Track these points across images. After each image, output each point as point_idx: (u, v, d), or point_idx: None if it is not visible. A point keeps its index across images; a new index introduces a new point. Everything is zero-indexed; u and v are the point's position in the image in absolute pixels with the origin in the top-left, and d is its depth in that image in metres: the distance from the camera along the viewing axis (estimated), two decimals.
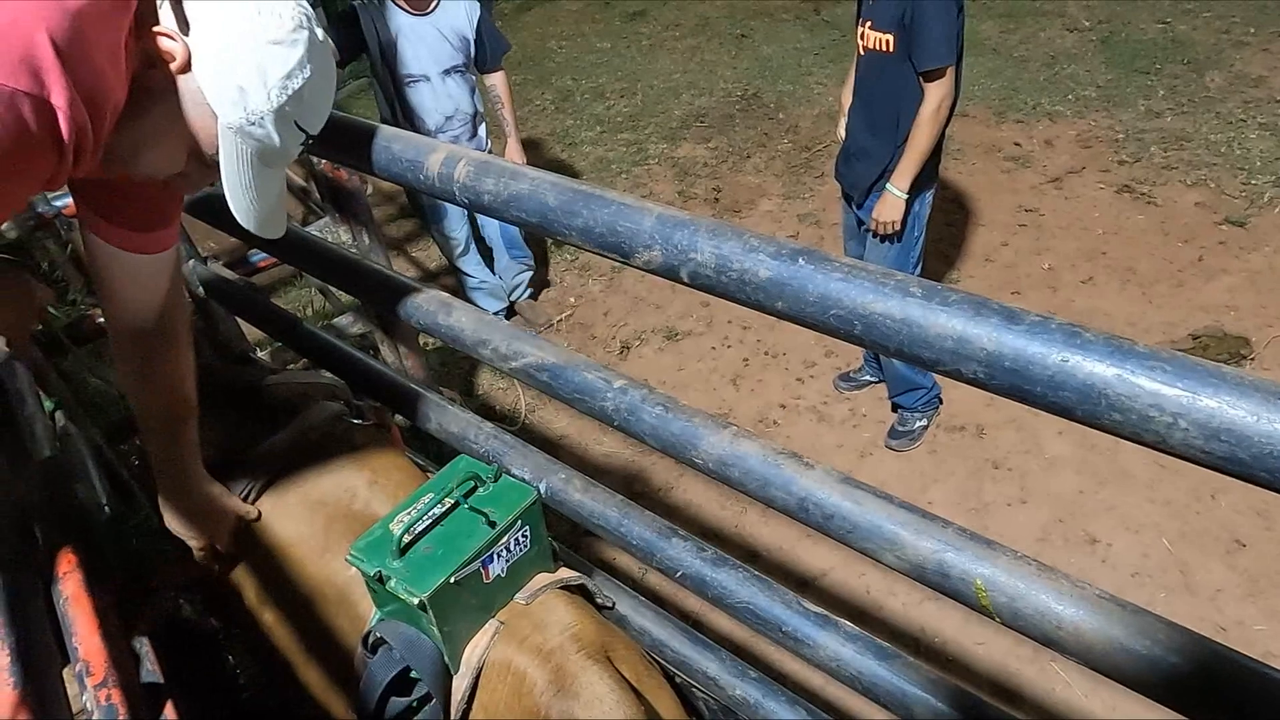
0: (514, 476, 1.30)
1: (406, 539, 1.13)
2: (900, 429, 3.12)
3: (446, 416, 1.52)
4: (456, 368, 3.80)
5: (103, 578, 1.08)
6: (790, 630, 1.17)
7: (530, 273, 3.98)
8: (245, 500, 1.40)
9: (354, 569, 1.16)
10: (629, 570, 2.65)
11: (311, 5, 0.91)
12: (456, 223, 3.60)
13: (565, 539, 2.10)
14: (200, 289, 2.07)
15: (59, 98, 0.70)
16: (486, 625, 1.16)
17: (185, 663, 1.52)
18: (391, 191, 5.24)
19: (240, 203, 0.93)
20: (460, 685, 1.13)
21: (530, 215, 0.96)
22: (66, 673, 0.92)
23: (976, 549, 0.86)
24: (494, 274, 3.91)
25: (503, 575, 1.17)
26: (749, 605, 1.20)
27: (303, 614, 1.32)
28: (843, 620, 1.17)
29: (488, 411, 3.51)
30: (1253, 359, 3.20)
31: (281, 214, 1.02)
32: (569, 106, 6.27)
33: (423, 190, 1.11)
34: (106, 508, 1.60)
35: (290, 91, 0.87)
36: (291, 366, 2.36)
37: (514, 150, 3.53)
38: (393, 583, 1.09)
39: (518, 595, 1.20)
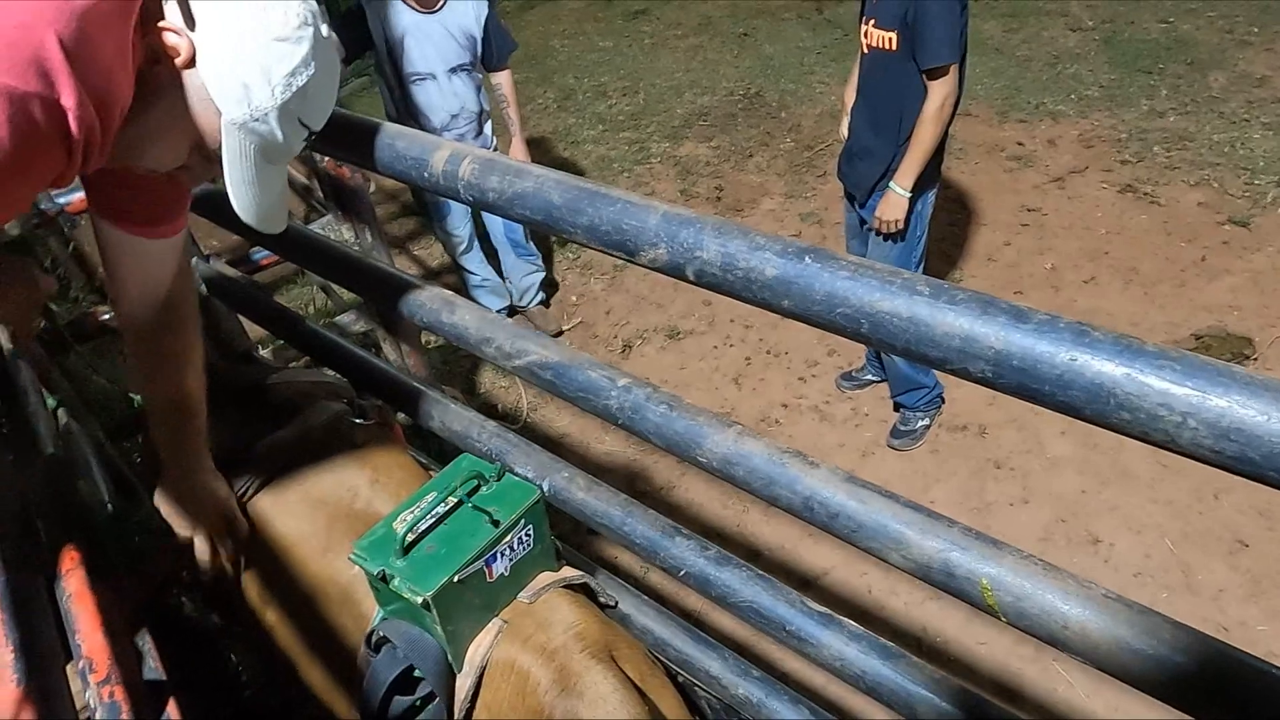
0: (517, 475, 1.30)
1: (410, 538, 1.12)
2: (902, 428, 3.11)
3: (449, 415, 1.52)
4: (458, 366, 3.80)
5: (105, 575, 1.08)
6: (794, 630, 1.17)
7: (541, 274, 3.92)
8: (243, 496, 1.40)
9: (356, 568, 1.16)
10: (631, 569, 2.65)
11: (317, 1, 0.91)
12: (459, 220, 3.59)
13: (566, 537, 2.10)
14: (202, 286, 2.07)
15: (68, 98, 0.70)
16: (490, 624, 1.16)
17: (188, 660, 1.52)
18: (394, 189, 5.24)
19: (242, 198, 0.94)
20: (464, 684, 1.13)
21: (535, 213, 0.95)
22: (69, 670, 0.92)
23: (982, 548, 0.86)
24: (499, 274, 3.88)
25: (506, 574, 1.17)
26: (752, 604, 1.20)
27: (305, 613, 1.32)
28: (846, 620, 1.17)
29: (490, 410, 3.51)
30: (1256, 359, 3.20)
31: (283, 210, 1.02)
32: (571, 105, 6.27)
33: (427, 188, 1.10)
34: (109, 505, 1.59)
35: (294, 89, 0.87)
36: (294, 365, 2.36)
37: (518, 149, 3.51)
38: (396, 582, 1.09)
39: (521, 594, 1.20)
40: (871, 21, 2.54)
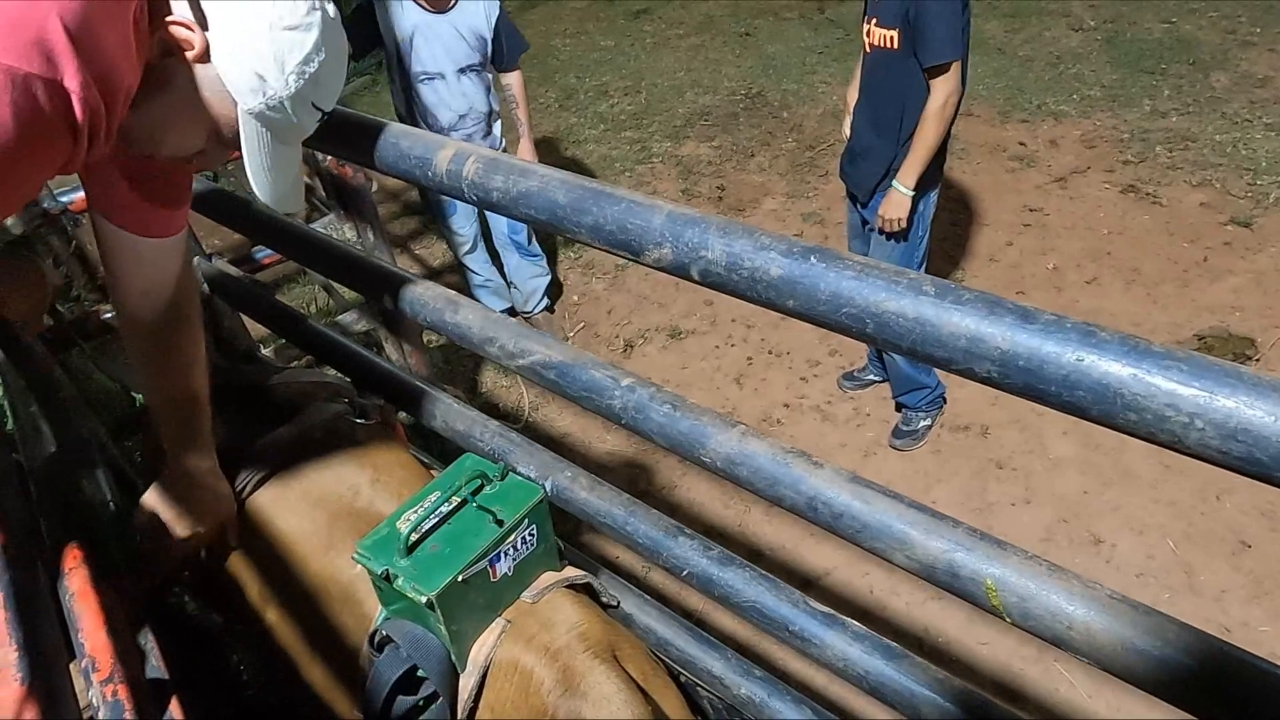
0: (519, 474, 1.30)
1: (414, 537, 1.12)
2: (904, 428, 3.11)
3: (451, 414, 1.52)
4: (460, 365, 3.80)
5: (108, 574, 1.08)
6: (797, 630, 1.17)
7: (546, 278, 3.86)
8: (243, 494, 1.40)
9: (358, 566, 1.16)
10: (632, 568, 2.65)
11: None
12: (464, 220, 3.58)
13: (567, 536, 2.10)
14: (205, 285, 2.07)
15: (72, 80, 0.70)
16: (493, 624, 1.16)
17: (190, 659, 1.52)
18: (396, 188, 5.24)
19: (261, 181, 0.96)
20: (467, 684, 1.13)
21: (539, 213, 0.95)
22: (72, 668, 0.92)
23: (987, 549, 0.86)
24: (503, 276, 3.85)
25: (509, 574, 1.16)
26: (755, 604, 1.20)
27: (307, 612, 1.32)
28: (849, 620, 1.17)
29: (491, 409, 3.51)
30: (1258, 359, 3.20)
31: (299, 189, 1.05)
32: (572, 104, 6.27)
33: (431, 188, 1.10)
34: (111, 504, 1.59)
35: (307, 76, 0.89)
36: (295, 364, 2.36)
37: (526, 150, 3.48)
38: (400, 581, 1.09)
39: (524, 594, 1.19)
40: (873, 20, 2.54)
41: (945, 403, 3.15)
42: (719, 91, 6.12)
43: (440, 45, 3.17)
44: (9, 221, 2.03)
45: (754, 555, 2.75)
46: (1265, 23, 5.69)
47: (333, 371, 1.77)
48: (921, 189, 2.63)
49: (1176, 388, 0.59)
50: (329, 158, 2.04)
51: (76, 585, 0.99)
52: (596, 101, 6.28)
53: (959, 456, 3.04)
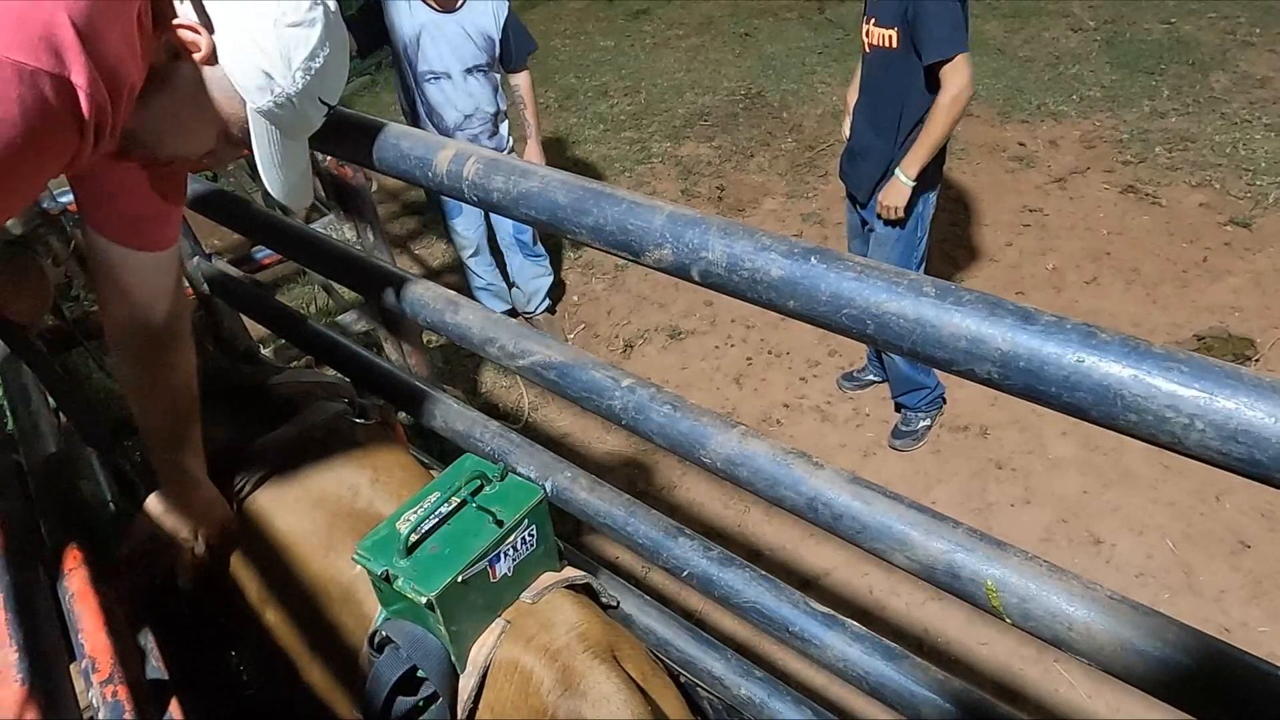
0: (520, 475, 1.30)
1: (413, 538, 1.12)
2: (904, 429, 3.11)
3: (451, 414, 1.52)
4: (459, 365, 3.80)
5: (108, 574, 1.08)
6: (797, 630, 1.17)
7: (548, 278, 3.85)
8: (242, 494, 1.40)
9: (358, 567, 1.16)
10: (632, 568, 2.65)
11: None
12: (469, 222, 3.56)
13: (567, 537, 2.10)
14: (204, 285, 2.07)
15: (79, 76, 0.70)
16: (493, 624, 1.16)
17: (190, 659, 1.52)
18: (396, 188, 5.25)
19: (273, 178, 0.97)
20: (467, 684, 1.13)
21: (540, 213, 0.95)
22: (73, 669, 0.92)
23: (987, 550, 0.86)
24: (507, 277, 3.84)
25: (509, 574, 1.16)
26: (755, 605, 1.20)
27: (307, 612, 1.32)
28: (850, 620, 1.17)
29: (491, 409, 3.51)
30: (1257, 360, 3.20)
31: (309, 183, 1.05)
32: (572, 105, 6.27)
33: (431, 188, 1.10)
34: (111, 504, 1.60)
35: (314, 71, 0.90)
36: (295, 364, 2.36)
37: (533, 152, 3.46)
38: (400, 581, 1.09)
39: (524, 594, 1.19)
40: (872, 20, 2.54)
41: (945, 403, 3.15)
42: (719, 92, 6.13)
43: (447, 45, 3.16)
44: (9, 221, 2.02)
45: (754, 556, 2.75)
46: (1265, 23, 5.69)
47: (332, 372, 1.77)
48: (921, 189, 2.63)
49: (1177, 389, 0.59)
50: (329, 158, 2.04)
51: (76, 586, 0.99)
52: (596, 102, 6.28)
53: (958, 457, 3.04)
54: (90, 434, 1.39)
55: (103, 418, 1.67)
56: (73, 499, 1.32)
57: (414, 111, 3.33)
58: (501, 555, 1.14)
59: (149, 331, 1.16)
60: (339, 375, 1.71)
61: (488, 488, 1.21)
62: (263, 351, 2.28)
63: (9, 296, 1.29)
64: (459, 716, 1.13)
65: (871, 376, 3.35)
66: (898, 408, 3.16)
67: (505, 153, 3.43)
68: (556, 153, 5.54)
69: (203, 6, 0.85)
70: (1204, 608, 2.42)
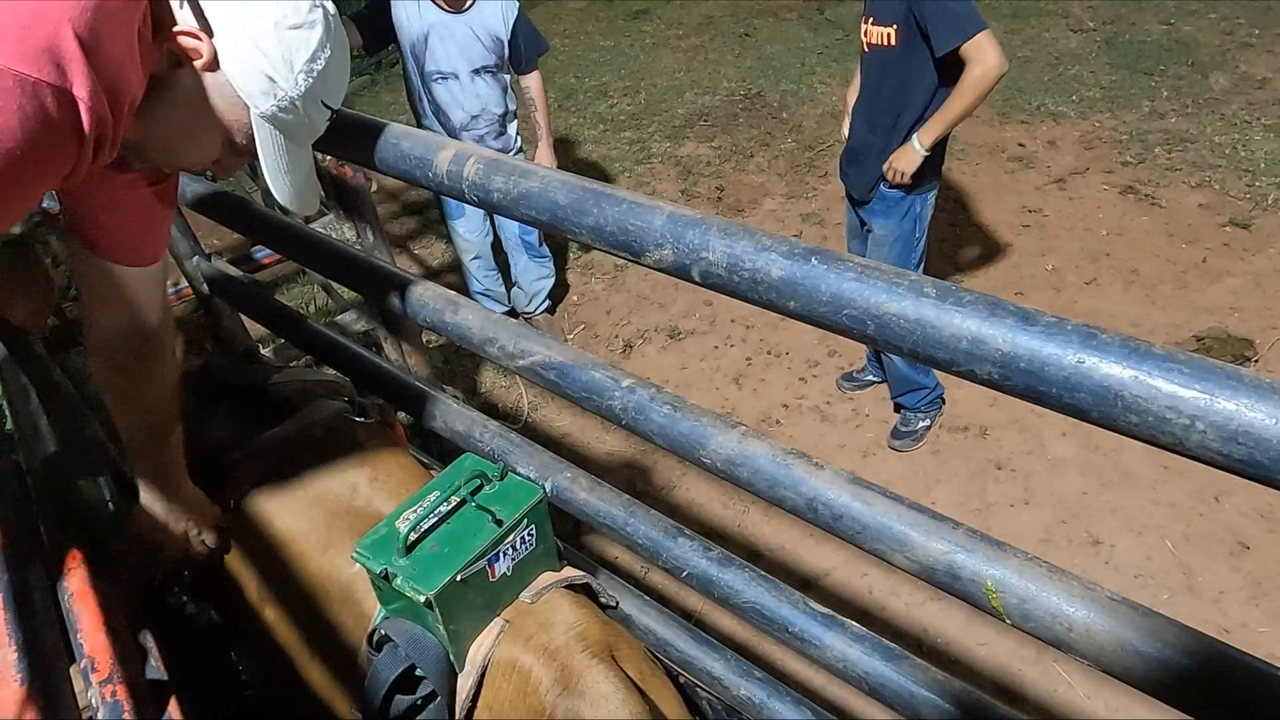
0: (519, 475, 1.30)
1: (412, 537, 1.12)
2: (903, 429, 3.11)
3: (451, 414, 1.52)
4: (459, 365, 3.80)
5: (107, 574, 1.08)
6: (797, 630, 1.17)
7: (550, 280, 3.84)
8: (239, 491, 1.40)
9: (357, 565, 1.16)
10: (631, 568, 2.65)
11: None
12: (473, 225, 3.55)
13: (566, 537, 2.10)
14: (204, 285, 2.07)
15: (81, 89, 0.70)
16: (492, 624, 1.16)
17: (189, 659, 1.52)
18: (396, 189, 5.24)
19: (279, 184, 0.96)
20: (465, 683, 1.13)
21: (540, 214, 0.95)
22: (72, 669, 0.92)
23: (987, 551, 0.86)
24: (510, 278, 3.82)
25: (508, 574, 1.16)
26: (755, 605, 1.20)
27: (306, 611, 1.32)
28: (849, 621, 1.17)
29: (490, 409, 3.51)
30: (1257, 361, 3.20)
31: (314, 189, 1.05)
32: (572, 105, 6.27)
33: (431, 188, 1.10)
34: (110, 504, 1.59)
35: (316, 73, 0.89)
36: (295, 364, 2.36)
37: (544, 154, 3.43)
38: (399, 580, 1.09)
39: (523, 594, 1.19)
40: (870, 19, 2.54)
41: (944, 403, 3.15)
42: (718, 92, 6.13)
43: (455, 45, 3.14)
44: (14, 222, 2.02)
45: (753, 556, 2.75)
46: (1264, 24, 5.70)
47: (332, 371, 1.77)
48: (920, 189, 2.63)
49: (1177, 390, 0.59)
50: (329, 158, 2.04)
51: (76, 586, 0.99)
52: (596, 102, 6.28)
53: (958, 457, 3.04)
54: (73, 455, 1.38)
55: (89, 426, 1.67)
56: (72, 499, 1.32)
57: (420, 111, 3.32)
58: (500, 555, 1.14)
59: (131, 343, 1.15)
60: (338, 375, 1.71)
61: (487, 487, 1.22)
62: (262, 351, 2.28)
63: (10, 300, 1.29)
64: (457, 715, 1.13)
65: (871, 377, 3.35)
66: (897, 408, 3.16)
67: (512, 154, 3.42)
68: (556, 153, 5.53)
69: (202, 12, 0.84)
70: (1203, 609, 2.42)
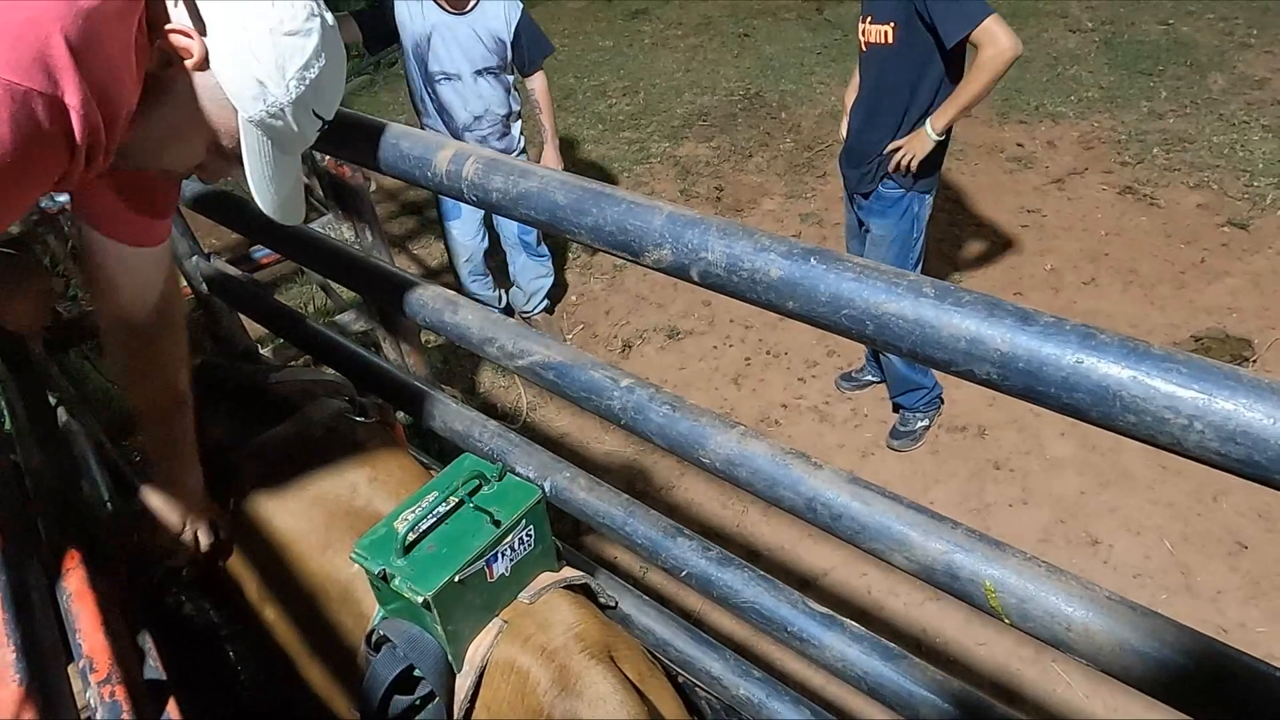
0: (518, 475, 1.30)
1: (411, 537, 1.12)
2: (902, 429, 3.11)
3: (450, 414, 1.52)
4: (458, 365, 3.80)
5: (106, 574, 1.08)
6: (796, 630, 1.17)
7: (549, 279, 3.83)
8: (239, 491, 1.40)
9: (356, 566, 1.16)
10: (630, 568, 2.65)
11: None
12: (468, 229, 3.54)
13: (565, 537, 2.10)
14: (203, 285, 2.07)
15: (72, 97, 0.70)
16: (490, 624, 1.16)
17: (187, 659, 1.52)
18: (395, 188, 5.24)
19: (264, 192, 0.94)
20: (464, 684, 1.13)
21: (539, 214, 0.95)
22: (70, 669, 0.92)
23: (986, 550, 0.86)
24: (509, 277, 3.82)
25: (507, 574, 1.16)
26: (754, 605, 1.20)
27: (305, 611, 1.32)
28: (848, 621, 1.17)
29: (489, 409, 3.51)
30: (1255, 361, 3.20)
31: (300, 199, 1.03)
32: (571, 105, 6.27)
33: (430, 188, 1.10)
34: (109, 504, 1.59)
35: (308, 82, 0.88)
36: (294, 363, 2.36)
37: (550, 156, 3.41)
38: (397, 581, 1.09)
39: (521, 594, 1.19)
40: (868, 18, 2.54)
41: (943, 403, 3.16)
42: (717, 92, 6.13)
43: (458, 46, 3.14)
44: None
45: (752, 555, 2.75)
46: (1262, 25, 5.70)
47: (331, 371, 1.77)
48: (918, 189, 2.63)
49: (1176, 390, 0.59)
50: (327, 157, 2.04)
51: (74, 586, 0.99)
52: (595, 102, 6.28)
53: (957, 457, 3.04)
54: (72, 455, 1.38)
55: (88, 426, 1.67)
56: (71, 499, 1.32)
57: (423, 111, 3.32)
58: (499, 555, 1.14)
59: (139, 322, 1.16)
60: (337, 374, 1.71)
61: (486, 487, 1.21)
62: (261, 351, 2.28)
63: (7, 304, 1.28)
64: (455, 716, 1.13)
65: (870, 377, 3.35)
66: (896, 408, 3.16)
67: (515, 154, 3.41)
68: None
69: (197, 11, 0.83)
70: (1201, 608, 2.42)
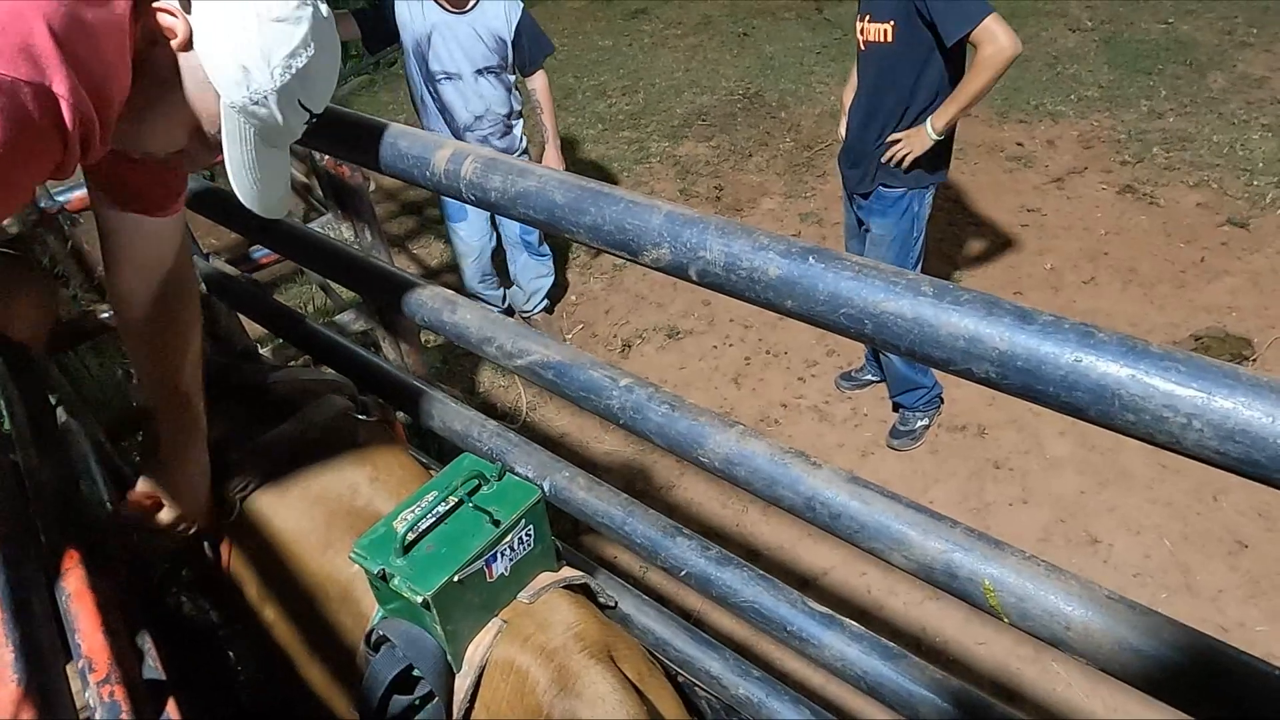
0: (517, 475, 1.30)
1: (410, 537, 1.12)
2: (901, 428, 3.11)
3: (450, 414, 1.52)
4: (457, 365, 3.80)
5: (105, 574, 1.08)
6: (795, 630, 1.17)
7: (549, 279, 3.83)
8: (243, 492, 1.40)
9: (356, 565, 1.16)
10: (630, 568, 2.65)
11: None
12: (474, 229, 3.54)
13: (565, 536, 2.10)
14: (202, 285, 2.06)
15: (60, 85, 0.69)
16: (489, 624, 1.16)
17: (187, 659, 1.52)
18: (394, 188, 5.24)
19: (243, 182, 0.92)
20: (463, 684, 1.13)
21: (538, 213, 0.95)
22: (69, 669, 0.92)
23: (985, 549, 0.86)
24: (510, 276, 3.82)
25: (506, 574, 1.16)
26: (754, 605, 1.20)
27: (304, 611, 1.32)
28: (848, 620, 1.17)
29: (489, 409, 3.51)
30: (1255, 360, 3.20)
31: (285, 194, 1.01)
32: (570, 104, 6.27)
33: (429, 188, 1.10)
34: (108, 504, 1.59)
35: (294, 70, 0.85)
36: (294, 363, 2.36)
37: (552, 157, 3.40)
38: (396, 581, 1.09)
39: (521, 594, 1.19)
40: (867, 17, 2.53)
41: (942, 403, 3.16)
42: (717, 91, 6.13)
43: (458, 46, 3.13)
44: (5, 220, 2.02)
45: (751, 555, 2.75)
46: (1262, 23, 5.70)
47: (330, 371, 1.77)
48: (918, 186, 2.63)
49: (1174, 389, 0.59)
50: (327, 157, 2.04)
51: (73, 585, 0.99)
52: (594, 101, 6.27)
53: (956, 457, 3.04)
54: (72, 455, 1.38)
55: (87, 426, 1.66)
56: (70, 498, 1.32)
57: (424, 111, 3.31)
58: (498, 555, 1.14)
59: (154, 293, 1.16)
60: (337, 374, 1.71)
61: (485, 487, 1.21)
62: (260, 351, 2.28)
63: (12, 313, 1.27)
64: (455, 716, 1.13)
65: (869, 376, 3.35)
66: (895, 407, 3.16)
67: (517, 154, 3.41)
68: None
69: None
70: (1201, 607, 2.42)
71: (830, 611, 1.18)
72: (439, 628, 1.10)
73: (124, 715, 0.83)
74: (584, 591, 1.30)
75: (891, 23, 2.43)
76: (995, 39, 2.27)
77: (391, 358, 2.36)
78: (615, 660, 1.12)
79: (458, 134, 3.28)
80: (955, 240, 4.15)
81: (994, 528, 2.74)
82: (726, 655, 1.35)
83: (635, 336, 3.90)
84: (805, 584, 2.66)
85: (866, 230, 2.83)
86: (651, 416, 1.10)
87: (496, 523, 1.15)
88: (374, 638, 1.18)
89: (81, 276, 2.67)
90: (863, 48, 2.60)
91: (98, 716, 0.84)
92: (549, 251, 3.79)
